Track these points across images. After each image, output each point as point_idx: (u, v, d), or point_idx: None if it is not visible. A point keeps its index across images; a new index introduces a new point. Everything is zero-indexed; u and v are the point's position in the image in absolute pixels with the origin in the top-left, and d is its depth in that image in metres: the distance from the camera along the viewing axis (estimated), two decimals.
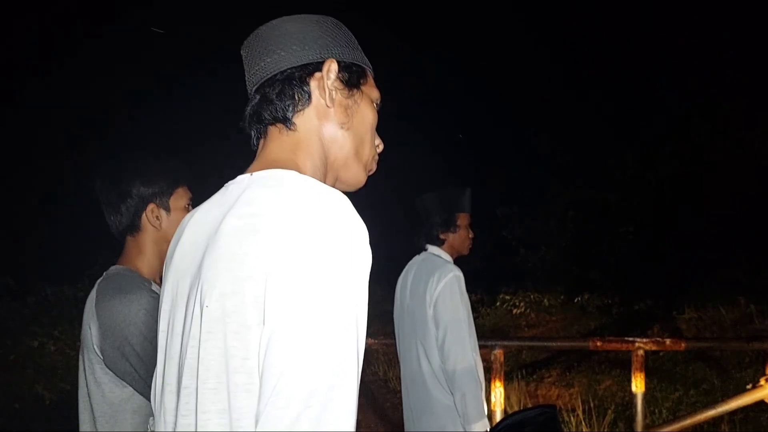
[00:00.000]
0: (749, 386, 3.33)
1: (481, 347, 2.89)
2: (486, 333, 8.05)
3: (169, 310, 0.90)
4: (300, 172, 0.87)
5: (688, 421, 3.29)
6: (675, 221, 8.91)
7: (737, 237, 7.79)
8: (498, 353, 3.00)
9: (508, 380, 5.68)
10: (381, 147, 1.05)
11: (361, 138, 0.98)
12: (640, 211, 9.23)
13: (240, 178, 0.90)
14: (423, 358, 2.39)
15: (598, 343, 3.27)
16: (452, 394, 2.31)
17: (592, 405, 5.27)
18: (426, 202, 2.62)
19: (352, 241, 0.77)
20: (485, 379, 3.04)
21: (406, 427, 2.48)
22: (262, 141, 0.95)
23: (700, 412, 3.31)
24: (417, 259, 2.57)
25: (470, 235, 2.60)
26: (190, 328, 0.81)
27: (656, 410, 5.20)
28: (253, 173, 0.88)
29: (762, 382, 3.26)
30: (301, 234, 0.75)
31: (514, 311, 9.32)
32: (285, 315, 0.72)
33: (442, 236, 2.52)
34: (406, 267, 2.60)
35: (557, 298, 9.40)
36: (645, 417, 3.69)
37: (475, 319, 8.30)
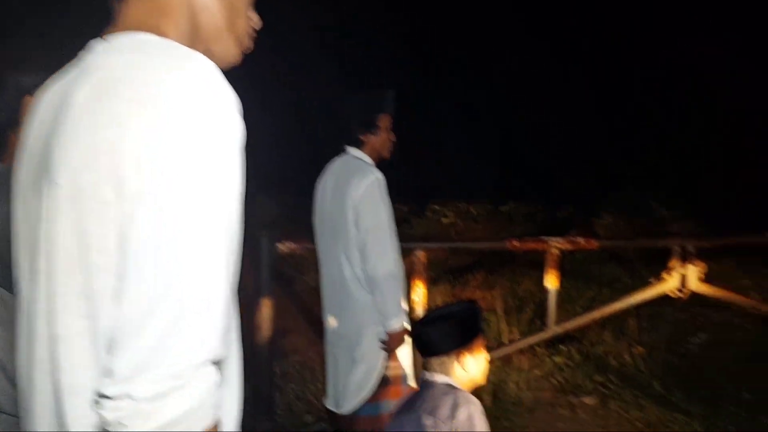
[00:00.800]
0: (652, 280, 3.59)
1: (403, 250, 2.95)
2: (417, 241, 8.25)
3: (22, 194, 0.83)
4: (163, 37, 0.79)
5: (597, 314, 3.52)
6: (594, 132, 9.21)
7: (654, 144, 8.17)
8: (420, 255, 3.07)
9: (434, 284, 5.89)
10: (256, 22, 0.98)
11: (236, 8, 0.91)
12: (563, 123, 9.47)
13: (93, 43, 0.81)
14: (344, 261, 2.40)
15: (516, 244, 3.40)
16: (372, 294, 2.35)
17: (512, 304, 5.57)
18: (347, 103, 2.56)
19: (219, 110, 0.72)
20: (408, 281, 3.11)
21: (327, 329, 2.53)
22: (121, 3, 0.84)
23: (608, 305, 3.54)
24: (337, 161, 2.53)
25: (392, 138, 2.58)
26: (41, 210, 0.75)
27: (572, 308, 5.54)
28: (108, 37, 0.79)
29: (664, 276, 3.51)
30: (162, 100, 0.69)
31: (443, 221, 9.55)
32: (149, 190, 0.68)
33: (362, 138, 2.48)
34: (325, 170, 2.56)
35: (484, 208, 9.68)
36: (559, 312, 3.94)
37: (406, 229, 8.41)
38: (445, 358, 1.85)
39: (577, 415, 3.60)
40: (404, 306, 2.39)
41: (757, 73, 7.25)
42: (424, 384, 1.87)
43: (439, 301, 5.80)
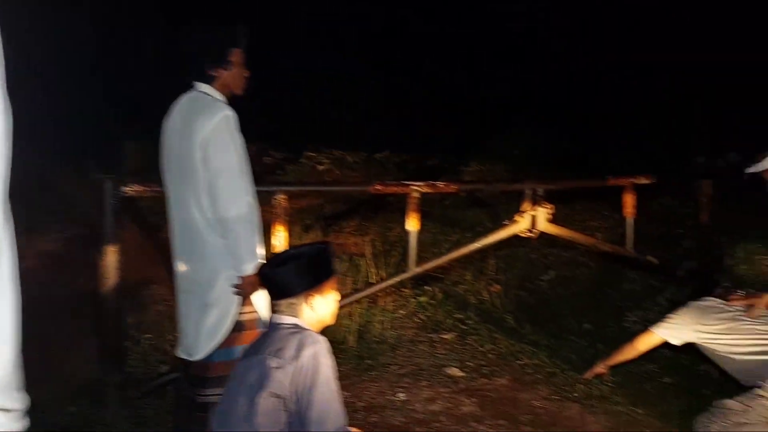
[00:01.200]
0: (506, 222, 3.78)
1: (263, 193, 2.86)
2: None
3: None
4: None
5: (454, 255, 3.67)
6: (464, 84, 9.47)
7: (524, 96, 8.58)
8: (281, 198, 3.00)
9: (308, 230, 5.85)
10: None
11: None
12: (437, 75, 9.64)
13: None
14: (194, 204, 2.28)
15: (379, 188, 3.43)
16: (225, 238, 2.26)
17: (382, 248, 5.69)
18: (194, 37, 2.39)
19: None
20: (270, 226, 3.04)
21: (178, 275, 2.42)
22: None
23: (464, 246, 3.70)
24: (184, 98, 2.38)
25: (245, 74, 2.45)
26: None
27: (438, 251, 5.75)
28: None
29: (516, 218, 3.71)
30: None
31: (319, 168, 9.47)
32: None
33: (212, 73, 2.33)
34: (172, 108, 2.40)
35: (360, 156, 9.71)
36: (425, 254, 4.06)
37: (279, 175, 8.19)
38: (293, 300, 1.84)
39: (436, 350, 3.78)
40: (260, 250, 2.33)
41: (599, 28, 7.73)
42: (271, 326, 1.85)
43: None
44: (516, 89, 9.14)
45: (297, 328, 1.79)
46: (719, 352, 2.82)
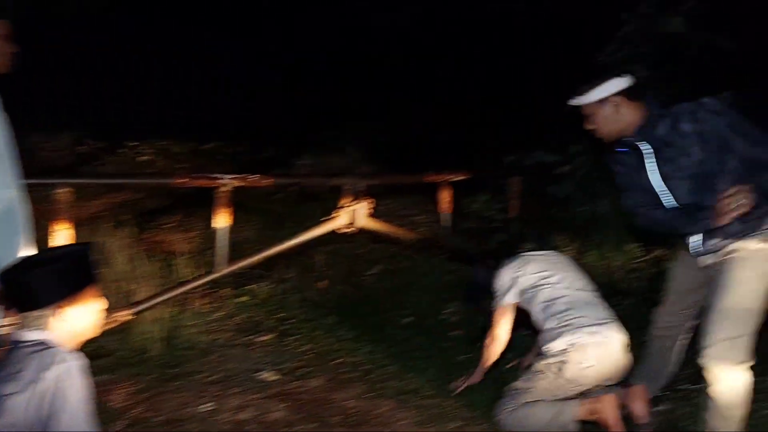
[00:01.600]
0: (325, 218, 3.68)
1: (39, 186, 2.50)
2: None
3: None
4: None
5: (270, 252, 3.50)
6: (300, 76, 9.31)
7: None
8: (62, 193, 2.62)
9: (118, 227, 5.33)
10: None
11: None
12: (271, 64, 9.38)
13: None
14: None
15: (183, 180, 3.16)
16: None
17: (202, 246, 5.36)
18: None
19: None
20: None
21: None
22: None
23: (278, 243, 3.54)
24: None
25: (10, 49, 2.08)
26: None
27: (261, 247, 5.53)
28: None
29: (335, 213, 3.63)
30: None
31: (138, 159, 8.77)
32: None
33: None
34: None
35: (187, 146, 9.16)
36: (252, 251, 3.82)
37: (97, 166, 7.40)
38: (43, 312, 1.55)
39: (251, 354, 3.59)
40: (28, 252, 1.98)
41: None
42: (12, 344, 1.55)
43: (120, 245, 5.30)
44: (352, 83, 9.16)
45: (42, 346, 1.51)
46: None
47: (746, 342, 2.30)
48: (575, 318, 2.63)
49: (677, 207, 2.37)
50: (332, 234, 3.69)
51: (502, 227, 4.84)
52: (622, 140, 2.43)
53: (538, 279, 2.82)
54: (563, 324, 2.63)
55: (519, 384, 2.71)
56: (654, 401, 2.83)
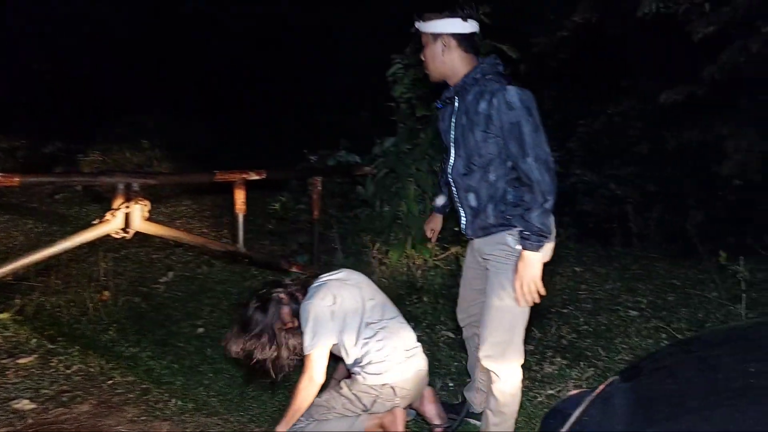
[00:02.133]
0: (96, 221, 3.26)
1: None
2: None
3: None
4: None
5: (28, 260, 3.00)
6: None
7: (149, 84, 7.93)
8: None
9: None
10: None
11: None
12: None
13: None
14: None
15: None
16: None
17: None
18: None
19: None
20: None
21: None
22: None
23: (39, 250, 3.06)
24: None
25: None
26: None
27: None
28: None
29: (107, 216, 3.22)
30: None
31: None
32: None
33: None
34: None
35: None
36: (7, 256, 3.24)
37: None
38: None
39: (7, 380, 3.07)
40: None
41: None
42: None
43: None
44: (150, 76, 8.50)
45: None
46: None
47: (518, 343, 2.37)
48: (389, 353, 2.51)
49: (450, 178, 2.39)
50: (121, 238, 3.25)
51: (304, 228, 4.72)
52: (442, 93, 2.39)
53: (351, 310, 2.58)
54: (378, 360, 2.51)
55: (319, 400, 2.57)
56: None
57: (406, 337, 2.66)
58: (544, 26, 5.94)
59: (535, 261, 2.18)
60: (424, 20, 2.31)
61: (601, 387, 1.40)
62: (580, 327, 3.78)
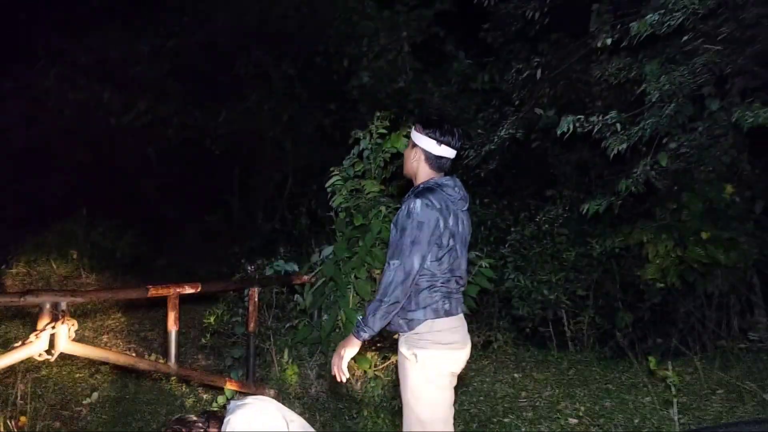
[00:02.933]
0: (18, 344, 3.07)
1: None
2: None
3: None
4: None
5: None
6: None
7: (76, 190, 7.77)
8: None
9: None
10: None
11: None
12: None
13: None
14: None
15: None
16: None
17: None
18: None
19: None
20: None
21: None
22: None
23: None
24: None
25: None
26: None
27: None
28: None
29: (32, 338, 3.05)
30: None
31: None
32: None
33: None
34: None
35: None
36: None
37: None
38: None
39: None
40: None
41: None
42: None
43: None
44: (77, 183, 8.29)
45: None
46: None
47: None
48: None
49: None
50: (44, 360, 3.06)
51: (240, 341, 4.59)
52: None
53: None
54: None
55: None
56: None
57: None
58: (473, 140, 6.33)
59: (348, 342, 2.36)
60: (414, 128, 2.55)
61: None
62: None
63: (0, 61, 7.53)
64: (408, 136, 3.11)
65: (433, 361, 2.32)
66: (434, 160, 2.49)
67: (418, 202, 2.33)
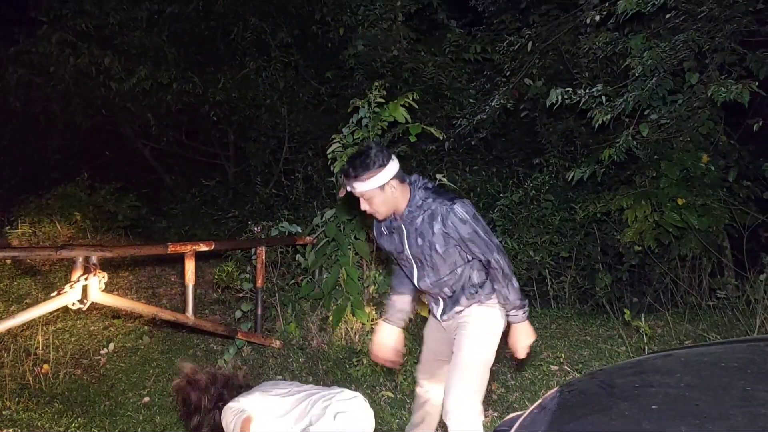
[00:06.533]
0: (54, 294, 3.35)
1: None
2: None
3: None
4: None
5: None
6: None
7: (77, 154, 7.95)
8: None
9: None
10: None
11: None
12: None
13: None
14: None
15: None
16: None
17: None
18: None
19: None
20: None
21: None
22: None
23: None
24: None
25: None
26: None
27: None
28: None
29: (66, 288, 3.32)
30: None
31: None
32: None
33: None
34: None
35: None
36: None
37: None
38: None
39: None
40: None
41: None
42: None
43: None
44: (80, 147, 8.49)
45: None
46: None
47: (481, 392, 2.68)
48: None
49: (420, 287, 2.75)
50: (59, 311, 3.36)
51: (248, 297, 4.90)
52: (386, 222, 2.69)
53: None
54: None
55: None
56: None
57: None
58: (464, 109, 6.60)
59: (525, 327, 2.68)
60: (366, 179, 2.43)
61: (532, 408, 1.78)
62: (508, 382, 4.13)
63: (1, 27, 7.62)
64: (405, 106, 3.70)
65: (504, 320, 2.71)
66: (400, 175, 2.54)
67: (456, 206, 2.51)
